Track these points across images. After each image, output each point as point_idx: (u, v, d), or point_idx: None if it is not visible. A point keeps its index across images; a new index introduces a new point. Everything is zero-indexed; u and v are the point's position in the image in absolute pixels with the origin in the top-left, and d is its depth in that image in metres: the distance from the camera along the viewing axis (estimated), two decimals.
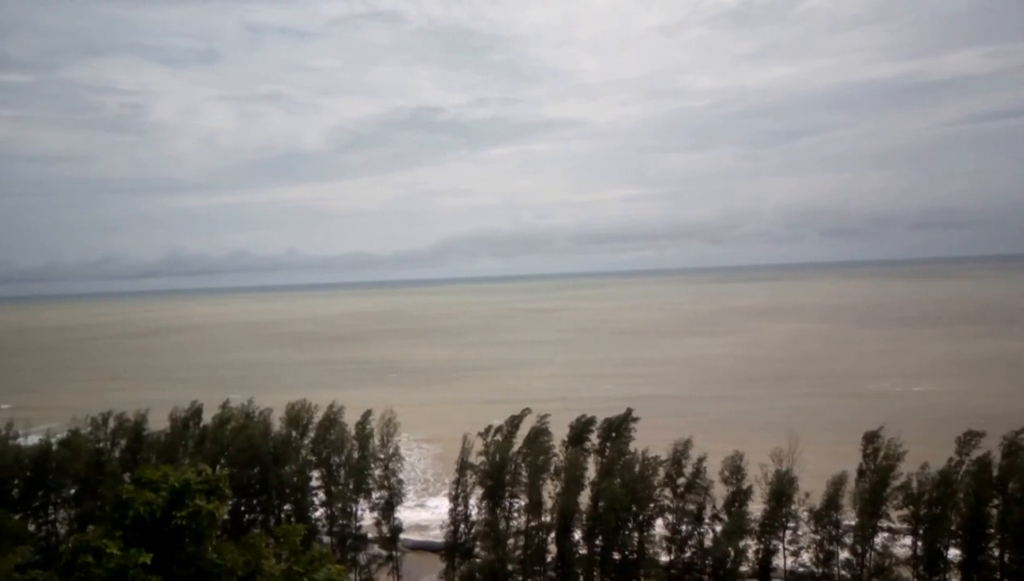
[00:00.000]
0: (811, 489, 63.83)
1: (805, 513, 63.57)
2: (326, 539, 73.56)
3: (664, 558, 65.67)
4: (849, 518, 62.31)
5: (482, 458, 70.87)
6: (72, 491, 78.17)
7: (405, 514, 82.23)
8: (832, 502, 62.14)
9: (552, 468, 69.76)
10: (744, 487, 63.89)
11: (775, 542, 64.04)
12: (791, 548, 64.05)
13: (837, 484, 62.34)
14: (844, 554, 62.58)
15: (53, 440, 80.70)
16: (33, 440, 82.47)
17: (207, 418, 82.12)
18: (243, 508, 74.40)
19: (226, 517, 53.85)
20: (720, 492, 64.74)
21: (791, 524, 63.81)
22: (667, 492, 66.23)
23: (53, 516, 79.35)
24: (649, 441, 68.84)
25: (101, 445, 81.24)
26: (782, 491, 62.97)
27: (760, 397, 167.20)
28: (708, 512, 64.86)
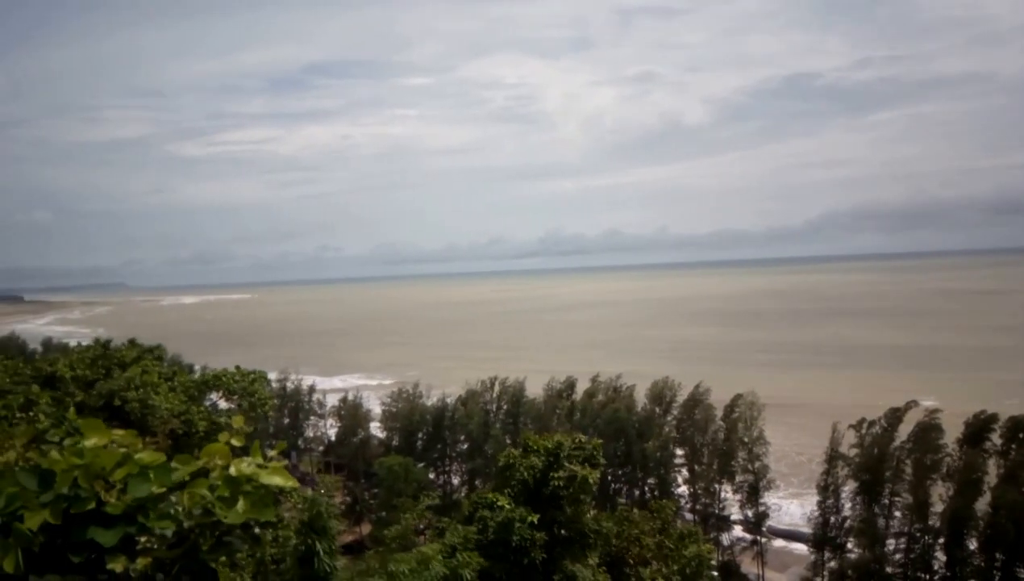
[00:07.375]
0: None
1: None
2: (688, 516, 73.90)
3: None
4: None
5: (855, 451, 66.16)
6: (464, 447, 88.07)
7: (783, 502, 79.92)
8: None
9: (944, 468, 62.75)
10: None
11: None
12: None
13: None
14: None
15: (448, 401, 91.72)
16: (432, 401, 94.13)
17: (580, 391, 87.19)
18: (610, 478, 77.62)
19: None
20: None
21: None
22: None
23: (448, 468, 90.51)
24: None
25: (489, 407, 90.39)
26: None
27: None
28: None
